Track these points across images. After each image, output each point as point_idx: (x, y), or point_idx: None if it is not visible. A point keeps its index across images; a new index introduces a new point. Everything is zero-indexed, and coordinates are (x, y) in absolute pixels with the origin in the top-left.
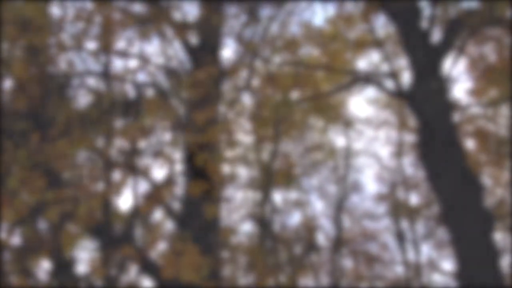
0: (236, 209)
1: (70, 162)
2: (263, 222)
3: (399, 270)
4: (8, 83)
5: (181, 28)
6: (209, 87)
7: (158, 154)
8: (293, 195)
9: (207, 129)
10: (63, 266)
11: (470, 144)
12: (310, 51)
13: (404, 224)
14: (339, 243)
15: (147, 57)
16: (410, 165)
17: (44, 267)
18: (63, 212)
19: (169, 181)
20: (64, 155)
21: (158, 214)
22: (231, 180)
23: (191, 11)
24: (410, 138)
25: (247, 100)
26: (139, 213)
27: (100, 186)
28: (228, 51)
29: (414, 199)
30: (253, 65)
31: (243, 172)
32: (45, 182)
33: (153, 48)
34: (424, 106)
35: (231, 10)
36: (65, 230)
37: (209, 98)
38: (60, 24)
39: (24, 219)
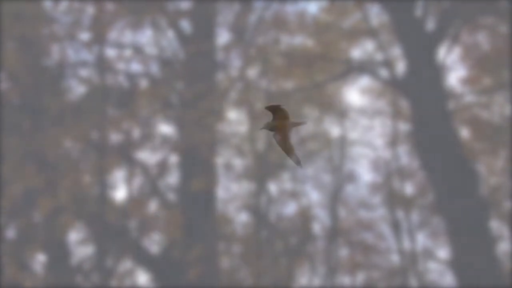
0: (231, 200)
1: (62, 151)
2: (258, 213)
3: (394, 259)
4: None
5: (175, 17)
6: (201, 64)
7: (149, 137)
8: (288, 185)
9: (199, 105)
10: (59, 258)
11: (464, 132)
12: (304, 41)
13: (400, 214)
14: (335, 232)
15: (140, 47)
16: (405, 154)
17: (39, 259)
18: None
19: (163, 168)
20: (57, 144)
21: (153, 206)
22: (226, 166)
23: (184, 2)
24: (405, 127)
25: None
26: (134, 204)
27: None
28: (222, 40)
29: (409, 188)
30: (247, 52)
31: (238, 163)
32: (36, 170)
33: (146, 38)
34: (418, 94)
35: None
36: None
37: (201, 74)
38: (53, 14)
39: (18, 210)
